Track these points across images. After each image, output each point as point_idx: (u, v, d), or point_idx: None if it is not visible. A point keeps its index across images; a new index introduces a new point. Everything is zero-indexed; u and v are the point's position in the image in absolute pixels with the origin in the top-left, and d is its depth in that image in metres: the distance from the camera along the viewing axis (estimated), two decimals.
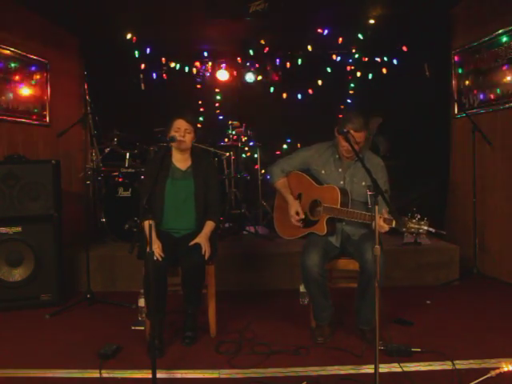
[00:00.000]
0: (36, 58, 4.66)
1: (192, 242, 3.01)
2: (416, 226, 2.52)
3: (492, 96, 4.45)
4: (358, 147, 2.97)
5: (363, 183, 3.06)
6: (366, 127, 3.05)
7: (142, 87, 5.75)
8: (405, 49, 5.62)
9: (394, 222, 2.71)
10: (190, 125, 3.16)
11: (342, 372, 2.64)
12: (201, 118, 6.25)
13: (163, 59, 6.01)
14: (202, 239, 3.03)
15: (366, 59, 5.91)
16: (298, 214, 3.15)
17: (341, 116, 3.20)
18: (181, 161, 3.24)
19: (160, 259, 2.88)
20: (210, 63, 6.18)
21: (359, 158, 2.69)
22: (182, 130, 3.13)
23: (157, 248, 2.88)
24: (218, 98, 6.28)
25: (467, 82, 4.86)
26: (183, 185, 3.19)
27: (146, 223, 2.45)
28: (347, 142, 2.80)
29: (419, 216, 2.54)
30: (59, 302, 3.79)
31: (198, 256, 2.96)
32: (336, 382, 2.55)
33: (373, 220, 2.33)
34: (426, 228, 2.51)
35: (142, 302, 3.33)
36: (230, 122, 5.63)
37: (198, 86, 6.22)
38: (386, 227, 2.76)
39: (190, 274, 2.97)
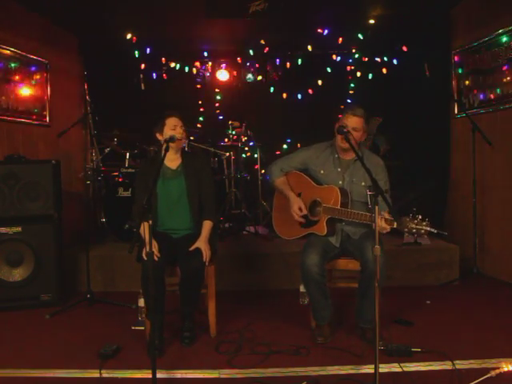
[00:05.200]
0: (36, 58, 4.66)
1: (192, 247, 3.00)
2: (417, 227, 2.51)
3: (492, 96, 4.45)
4: (357, 135, 2.97)
5: (363, 183, 3.05)
6: (366, 117, 3.07)
7: (142, 87, 5.75)
8: (405, 49, 5.62)
9: (395, 223, 2.71)
10: (182, 122, 3.16)
11: (342, 372, 2.64)
12: (201, 118, 6.26)
13: (163, 59, 6.01)
14: (202, 243, 3.03)
15: (366, 59, 5.92)
16: (300, 209, 3.13)
17: (342, 107, 3.20)
18: (172, 160, 3.22)
19: (156, 259, 2.87)
20: (210, 63, 6.18)
21: (359, 157, 2.69)
22: (178, 127, 3.12)
23: (153, 248, 2.87)
24: (218, 98, 6.28)
25: (467, 82, 4.86)
26: (175, 184, 3.18)
27: (146, 224, 2.44)
28: (347, 142, 2.81)
29: (420, 217, 2.53)
30: (59, 302, 3.79)
31: (197, 261, 2.95)
32: (336, 382, 2.55)
33: (373, 221, 2.32)
34: (427, 229, 2.49)
35: (141, 302, 3.33)
36: (230, 122, 5.62)
37: (198, 86, 6.22)
38: (388, 228, 2.75)
39: (190, 278, 2.96)
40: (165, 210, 3.16)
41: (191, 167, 3.22)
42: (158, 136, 3.19)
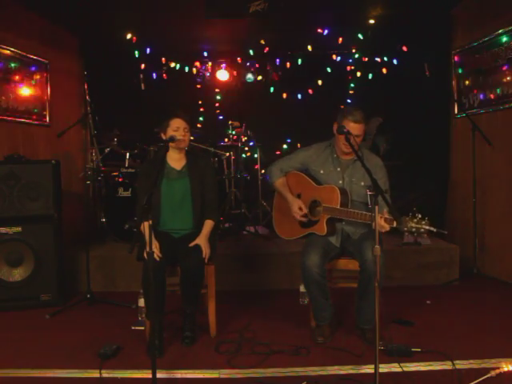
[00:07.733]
0: (36, 58, 4.66)
1: (192, 244, 3.01)
2: (417, 226, 2.50)
3: (492, 96, 4.45)
4: (359, 140, 2.97)
5: (362, 183, 3.06)
6: (366, 121, 3.06)
7: (142, 87, 5.75)
8: (405, 49, 5.62)
9: (394, 222, 2.70)
10: (187, 124, 3.15)
11: (342, 372, 2.64)
12: (201, 118, 6.26)
13: (163, 59, 6.01)
14: (202, 240, 3.03)
15: (366, 59, 5.91)
16: (301, 209, 3.13)
17: (342, 107, 3.20)
18: (176, 160, 3.22)
19: (157, 259, 2.87)
20: (210, 63, 6.17)
21: (359, 157, 2.68)
22: (181, 129, 3.11)
23: (154, 248, 2.87)
24: (218, 98, 6.28)
25: (467, 82, 4.86)
26: (179, 185, 3.18)
27: (146, 224, 2.44)
28: (347, 142, 2.80)
29: (420, 216, 2.52)
30: (59, 302, 3.79)
31: (197, 258, 2.95)
32: (336, 382, 2.55)
33: (373, 220, 2.32)
34: (427, 228, 2.48)
35: (141, 302, 3.33)
36: (230, 122, 5.63)
37: (198, 86, 6.22)
38: (387, 227, 2.75)
39: (190, 275, 2.96)
40: (167, 210, 3.16)
41: (196, 168, 3.23)
42: (162, 136, 3.19)
